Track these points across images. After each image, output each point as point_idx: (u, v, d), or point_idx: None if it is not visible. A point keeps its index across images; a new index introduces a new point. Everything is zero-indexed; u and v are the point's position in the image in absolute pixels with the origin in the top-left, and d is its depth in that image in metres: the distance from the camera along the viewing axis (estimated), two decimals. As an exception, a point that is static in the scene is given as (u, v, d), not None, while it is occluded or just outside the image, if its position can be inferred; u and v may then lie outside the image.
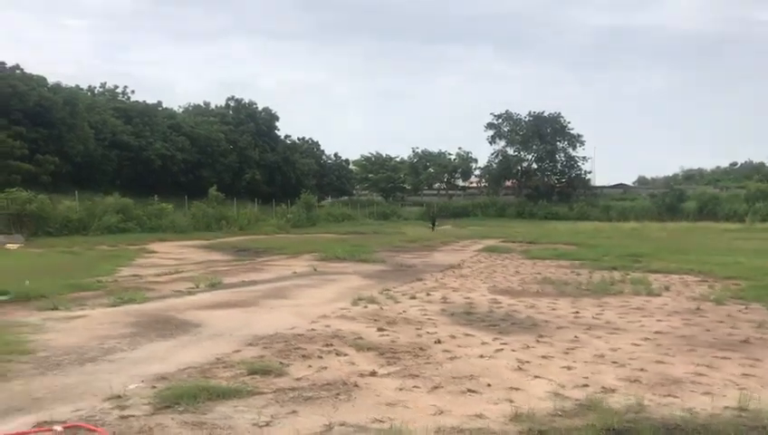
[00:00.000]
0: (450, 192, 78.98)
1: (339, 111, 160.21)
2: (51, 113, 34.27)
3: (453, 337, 7.01)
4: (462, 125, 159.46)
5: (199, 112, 54.81)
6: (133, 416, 4.28)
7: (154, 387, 4.93)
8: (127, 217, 29.36)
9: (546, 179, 74.73)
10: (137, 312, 8.59)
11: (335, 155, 73.66)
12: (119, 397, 4.66)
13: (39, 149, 33.45)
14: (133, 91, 50.01)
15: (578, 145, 72.77)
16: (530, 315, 8.58)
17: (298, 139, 67.22)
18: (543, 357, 6.12)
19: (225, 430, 4.05)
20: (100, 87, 49.50)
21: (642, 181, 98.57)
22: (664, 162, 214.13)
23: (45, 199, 26.44)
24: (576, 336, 7.15)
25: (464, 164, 77.25)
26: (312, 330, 7.37)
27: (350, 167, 76.81)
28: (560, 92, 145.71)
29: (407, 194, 78.04)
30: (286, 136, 62.71)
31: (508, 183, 76.76)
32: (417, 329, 7.49)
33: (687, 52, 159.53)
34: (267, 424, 4.17)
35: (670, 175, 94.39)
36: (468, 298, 10.14)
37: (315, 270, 14.65)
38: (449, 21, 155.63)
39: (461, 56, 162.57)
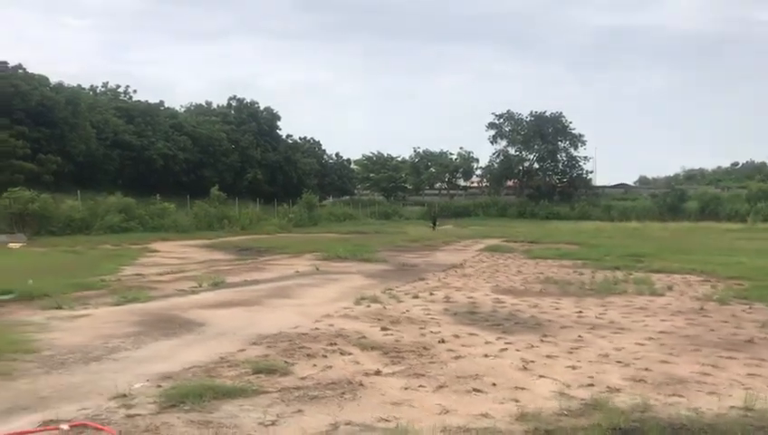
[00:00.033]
0: (451, 192, 78.90)
1: (340, 111, 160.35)
2: (53, 113, 34.30)
3: (457, 337, 7.01)
4: (463, 125, 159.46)
5: (201, 112, 54.82)
6: (139, 415, 4.28)
7: (159, 386, 4.93)
8: (129, 216, 29.39)
9: (547, 179, 74.69)
10: (141, 311, 8.60)
11: (336, 155, 73.85)
12: (124, 396, 4.66)
13: (41, 149, 33.47)
14: (135, 91, 50.03)
15: (579, 145, 72.79)
16: (533, 315, 8.58)
17: (300, 138, 67.25)
18: (548, 357, 6.11)
19: (232, 429, 4.05)
20: (102, 86, 49.50)
21: (643, 181, 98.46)
22: (665, 162, 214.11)
23: (48, 199, 26.47)
24: (580, 336, 7.15)
25: (465, 164, 77.21)
26: (316, 329, 7.37)
27: (352, 166, 76.86)
28: (561, 92, 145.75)
29: (408, 194, 78.01)
30: (288, 136, 62.78)
31: (509, 183, 76.74)
32: (421, 328, 7.49)
33: (688, 51, 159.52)
34: (273, 423, 4.17)
35: (671, 175, 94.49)
36: (471, 298, 10.14)
37: (317, 269, 14.65)
38: (450, 20, 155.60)
39: (462, 56, 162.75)
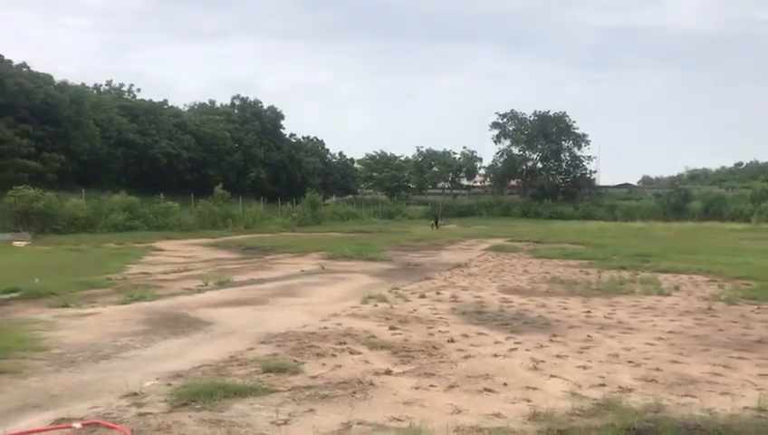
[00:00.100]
0: (455, 191, 78.88)
1: (341, 111, 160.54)
2: (57, 111, 34.38)
3: (465, 336, 6.98)
4: (466, 124, 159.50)
5: (205, 111, 54.86)
6: (151, 413, 4.27)
7: (170, 384, 4.92)
8: (133, 215, 29.46)
9: (551, 179, 74.60)
10: (148, 309, 8.59)
11: (340, 154, 73.89)
12: (135, 394, 4.65)
13: (45, 147, 33.57)
14: (139, 90, 50.15)
15: (583, 144, 72.74)
16: (541, 314, 8.55)
17: (303, 138, 67.29)
18: (558, 356, 6.09)
19: (244, 428, 4.03)
20: (106, 85, 49.64)
21: (647, 181, 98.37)
22: (668, 162, 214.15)
23: (52, 197, 26.53)
24: (589, 335, 7.12)
25: (468, 163, 77.15)
26: (325, 328, 7.36)
27: (355, 166, 76.82)
28: (564, 92, 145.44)
29: (411, 193, 78.03)
30: (291, 135, 62.85)
31: (513, 182, 76.73)
32: (429, 328, 7.47)
33: (690, 51, 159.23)
34: (285, 422, 4.15)
35: (675, 175, 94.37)
36: (478, 297, 10.11)
37: (323, 268, 14.63)
38: (451, 20, 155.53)
39: (465, 55, 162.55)
